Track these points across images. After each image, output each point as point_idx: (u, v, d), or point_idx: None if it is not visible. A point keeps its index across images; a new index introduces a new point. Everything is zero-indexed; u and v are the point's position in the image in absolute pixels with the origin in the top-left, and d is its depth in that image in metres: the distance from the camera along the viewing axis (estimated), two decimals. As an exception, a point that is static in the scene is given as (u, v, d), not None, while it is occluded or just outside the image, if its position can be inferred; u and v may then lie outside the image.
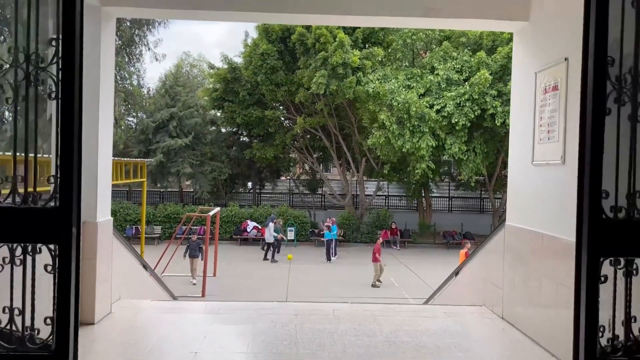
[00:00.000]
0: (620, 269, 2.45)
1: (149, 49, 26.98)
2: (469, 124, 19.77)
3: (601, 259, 2.38)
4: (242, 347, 4.63)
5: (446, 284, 7.88)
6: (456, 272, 7.55)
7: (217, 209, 18.41)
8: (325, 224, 22.51)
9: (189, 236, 17.05)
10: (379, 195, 28.29)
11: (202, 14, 4.86)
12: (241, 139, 28.55)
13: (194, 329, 5.19)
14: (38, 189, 2.42)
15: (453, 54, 21.09)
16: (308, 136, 26.04)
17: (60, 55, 2.28)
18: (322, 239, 21.97)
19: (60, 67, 2.29)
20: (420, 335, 5.13)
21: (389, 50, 22.19)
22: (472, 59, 20.47)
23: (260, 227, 24.59)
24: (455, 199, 28.98)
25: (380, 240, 17.63)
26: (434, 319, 5.87)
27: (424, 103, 20.17)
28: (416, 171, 20.85)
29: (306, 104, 23.60)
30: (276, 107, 25.31)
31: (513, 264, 5.41)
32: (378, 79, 20.83)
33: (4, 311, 2.45)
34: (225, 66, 24.81)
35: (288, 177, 31.21)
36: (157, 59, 31.71)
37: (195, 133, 27.02)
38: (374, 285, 16.21)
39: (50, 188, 2.38)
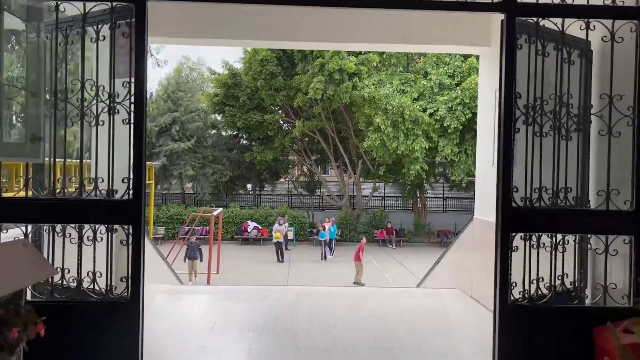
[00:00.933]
0: (526, 241, 3.48)
1: (151, 55, 27.96)
2: (460, 127, 20.82)
3: (512, 234, 3.41)
4: (253, 318, 5.66)
5: (430, 272, 8.94)
6: (437, 261, 8.61)
7: (220, 209, 19.42)
8: (322, 224, 23.54)
9: (190, 236, 18.02)
10: (375, 196, 29.30)
11: (220, 41, 5.91)
12: (241, 142, 29.57)
13: (210, 305, 6.24)
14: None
15: (445, 59, 22.14)
16: (306, 139, 27.04)
17: (132, 93, 3.30)
18: (319, 238, 22.97)
19: (132, 101, 3.31)
20: (400, 309, 6.19)
21: (384, 56, 23.22)
22: (464, 65, 21.52)
23: (260, 228, 25.63)
24: (450, 199, 30.01)
25: (364, 240, 18.66)
26: (414, 298, 6.93)
27: (418, 107, 21.22)
28: (410, 172, 21.88)
29: (304, 108, 24.61)
30: (275, 111, 26.32)
31: (479, 251, 6.44)
32: (373, 84, 21.87)
33: (87, 275, 3.47)
34: (226, 72, 25.84)
35: (287, 179, 32.24)
36: (159, 65, 32.66)
37: (197, 137, 28.02)
38: (356, 283, 17.10)
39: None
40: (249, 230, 25.43)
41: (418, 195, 27.53)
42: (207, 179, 27.50)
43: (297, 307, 6.24)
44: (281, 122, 27.00)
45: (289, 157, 29.08)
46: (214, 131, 29.72)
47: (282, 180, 32.54)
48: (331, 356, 4.48)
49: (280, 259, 20.97)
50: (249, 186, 31.61)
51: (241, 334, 5.12)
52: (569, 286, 3.74)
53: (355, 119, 23.75)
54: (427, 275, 9.10)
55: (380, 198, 30.04)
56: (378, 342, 4.97)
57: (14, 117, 3.41)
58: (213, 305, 6.31)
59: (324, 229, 22.35)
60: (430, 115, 21.27)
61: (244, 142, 29.41)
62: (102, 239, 3.43)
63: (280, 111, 26.67)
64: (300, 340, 4.92)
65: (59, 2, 3.27)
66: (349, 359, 4.42)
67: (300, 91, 23.22)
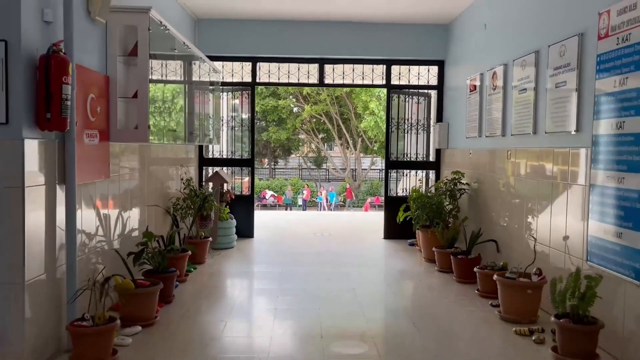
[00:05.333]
0: (397, 173, 9.52)
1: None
2: (438, 111, 26.59)
3: (389, 171, 9.46)
4: (286, 222, 11.89)
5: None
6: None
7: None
8: (321, 191, 30.53)
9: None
10: (373, 169, 35.30)
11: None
12: (259, 124, 35.58)
13: (259, 217, 12.44)
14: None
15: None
16: (314, 120, 32.88)
17: (250, 119, 9.34)
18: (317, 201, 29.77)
19: (250, 122, 9.34)
20: (365, 220, 12.37)
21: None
22: (442, 60, 27.12)
23: (276, 195, 31.83)
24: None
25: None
26: (374, 217, 13.12)
27: (404, 95, 26.97)
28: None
29: (312, 95, 30.44)
30: (287, 98, 32.19)
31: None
32: (368, 76, 27.57)
33: (232, 186, 9.60)
34: (246, 64, 31.67)
35: (298, 155, 38.35)
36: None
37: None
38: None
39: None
40: (267, 197, 31.64)
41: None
42: (230, 155, 33.58)
43: (309, 220, 12.46)
44: (292, 106, 32.87)
45: (299, 136, 35.05)
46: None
47: (293, 156, 38.66)
48: (326, 231, 10.58)
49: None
50: (266, 161, 37.78)
51: (286, 224, 11.31)
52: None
53: (354, 103, 29.53)
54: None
55: (378, 170, 36.06)
56: (350, 229, 11.15)
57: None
58: (261, 218, 12.52)
59: (321, 194, 29.14)
60: (415, 101, 27.03)
61: (261, 123, 35.40)
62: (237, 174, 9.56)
63: (291, 97, 32.53)
64: (310, 226, 11.09)
65: (222, 87, 9.27)
66: (333, 235, 10.48)
67: (308, 81, 28.97)
